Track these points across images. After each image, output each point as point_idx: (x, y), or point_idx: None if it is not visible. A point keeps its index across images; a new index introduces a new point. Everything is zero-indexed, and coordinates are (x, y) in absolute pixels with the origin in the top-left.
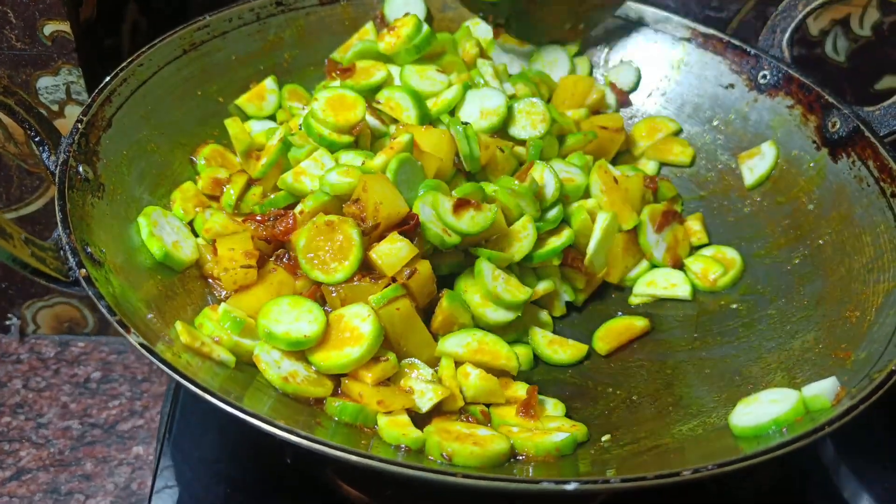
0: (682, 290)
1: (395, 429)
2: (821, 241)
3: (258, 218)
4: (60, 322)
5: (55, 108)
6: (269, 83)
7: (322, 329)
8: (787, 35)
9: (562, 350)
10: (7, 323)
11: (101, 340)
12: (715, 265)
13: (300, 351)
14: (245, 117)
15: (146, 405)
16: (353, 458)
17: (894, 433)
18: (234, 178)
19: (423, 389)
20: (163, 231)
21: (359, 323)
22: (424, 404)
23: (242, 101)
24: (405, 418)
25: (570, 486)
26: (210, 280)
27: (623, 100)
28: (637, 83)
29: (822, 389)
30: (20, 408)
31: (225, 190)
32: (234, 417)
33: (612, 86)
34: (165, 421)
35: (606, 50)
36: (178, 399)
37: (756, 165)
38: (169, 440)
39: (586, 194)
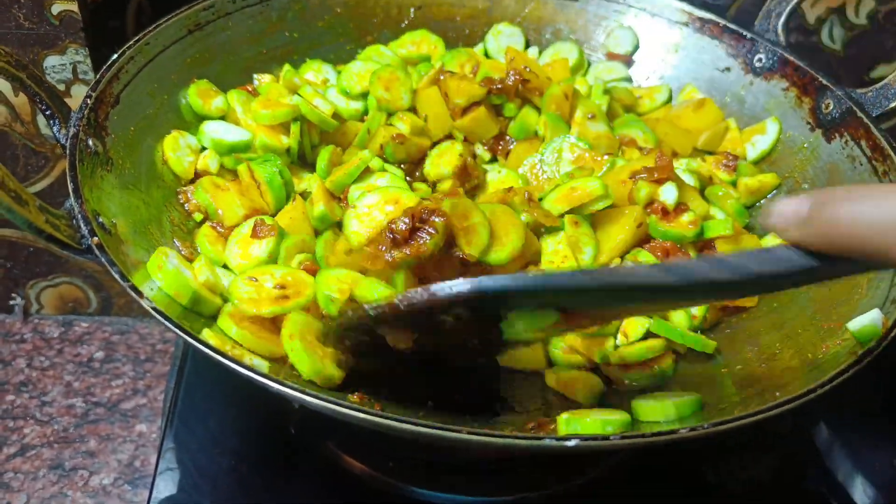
0: None
1: None
2: None
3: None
4: (64, 302)
5: (62, 87)
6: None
7: None
8: (782, 19)
9: None
10: (11, 303)
11: (104, 321)
12: None
13: None
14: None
15: (149, 384)
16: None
17: (885, 414)
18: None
19: None
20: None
21: None
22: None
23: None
24: None
25: (571, 443)
26: None
27: (626, 60)
28: (636, 44)
29: (871, 320)
30: (24, 386)
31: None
32: (244, 379)
33: (611, 54)
34: (171, 395)
35: (604, 35)
36: (183, 373)
37: (759, 141)
38: (174, 414)
39: None
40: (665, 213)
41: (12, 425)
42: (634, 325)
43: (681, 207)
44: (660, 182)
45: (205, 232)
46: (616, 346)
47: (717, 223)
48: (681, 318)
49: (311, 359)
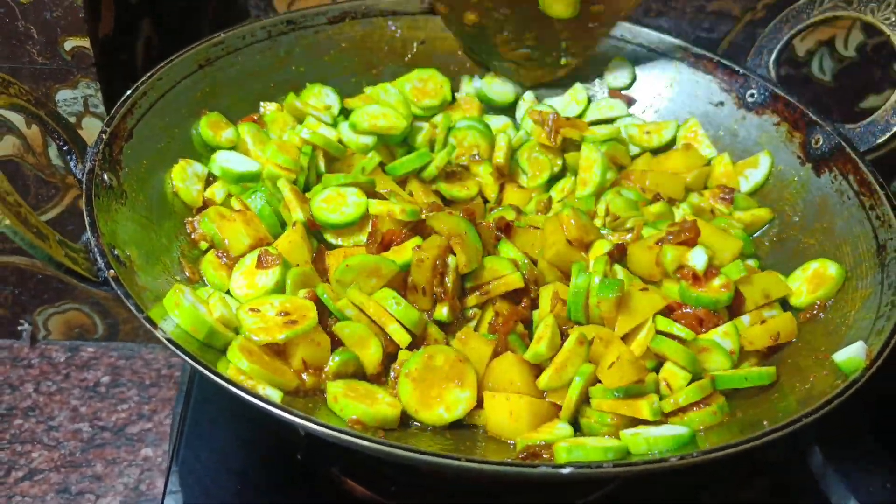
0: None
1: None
2: (804, 251)
3: None
4: (71, 328)
5: (73, 120)
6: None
7: None
8: (773, 56)
9: None
10: (19, 328)
11: (110, 346)
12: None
13: None
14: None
15: (154, 409)
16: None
17: (878, 438)
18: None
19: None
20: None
21: None
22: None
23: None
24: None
25: (566, 471)
26: None
27: (627, 99)
28: (633, 77)
29: (855, 352)
30: (32, 411)
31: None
32: (252, 407)
33: (613, 91)
34: (178, 420)
35: (602, 69)
36: (190, 398)
37: (751, 174)
38: (181, 438)
39: None
40: (696, 278)
41: (20, 449)
42: (676, 376)
43: (711, 271)
44: (688, 244)
45: (209, 259)
46: (661, 398)
47: (730, 268)
48: (721, 361)
49: (363, 408)
